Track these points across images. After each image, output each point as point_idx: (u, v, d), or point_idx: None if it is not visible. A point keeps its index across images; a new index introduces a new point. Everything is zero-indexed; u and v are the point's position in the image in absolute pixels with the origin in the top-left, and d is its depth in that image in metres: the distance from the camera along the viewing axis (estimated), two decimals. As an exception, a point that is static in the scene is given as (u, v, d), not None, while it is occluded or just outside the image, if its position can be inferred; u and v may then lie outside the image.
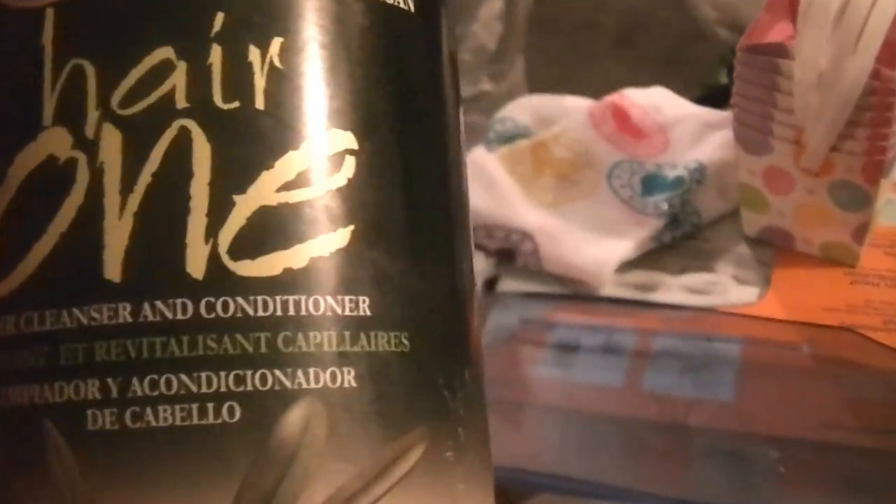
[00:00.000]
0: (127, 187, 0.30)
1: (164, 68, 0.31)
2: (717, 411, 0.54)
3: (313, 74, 0.32)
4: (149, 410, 0.29)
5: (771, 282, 0.59)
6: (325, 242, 0.31)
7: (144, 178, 0.30)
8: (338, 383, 0.30)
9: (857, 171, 0.56)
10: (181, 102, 0.30)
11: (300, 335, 0.30)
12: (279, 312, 0.30)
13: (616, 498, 0.54)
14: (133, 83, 0.31)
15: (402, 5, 0.34)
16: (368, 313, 0.31)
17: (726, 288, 0.59)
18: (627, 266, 0.61)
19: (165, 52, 0.31)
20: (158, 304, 0.29)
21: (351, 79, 0.32)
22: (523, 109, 0.67)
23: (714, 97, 0.67)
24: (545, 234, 0.61)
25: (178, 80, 0.31)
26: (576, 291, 0.60)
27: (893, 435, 0.52)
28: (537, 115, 0.67)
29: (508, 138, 0.66)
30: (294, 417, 0.29)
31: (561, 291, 0.60)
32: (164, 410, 0.29)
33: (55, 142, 0.31)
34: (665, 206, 0.62)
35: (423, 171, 0.34)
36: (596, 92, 0.67)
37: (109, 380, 0.29)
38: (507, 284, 0.61)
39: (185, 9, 0.31)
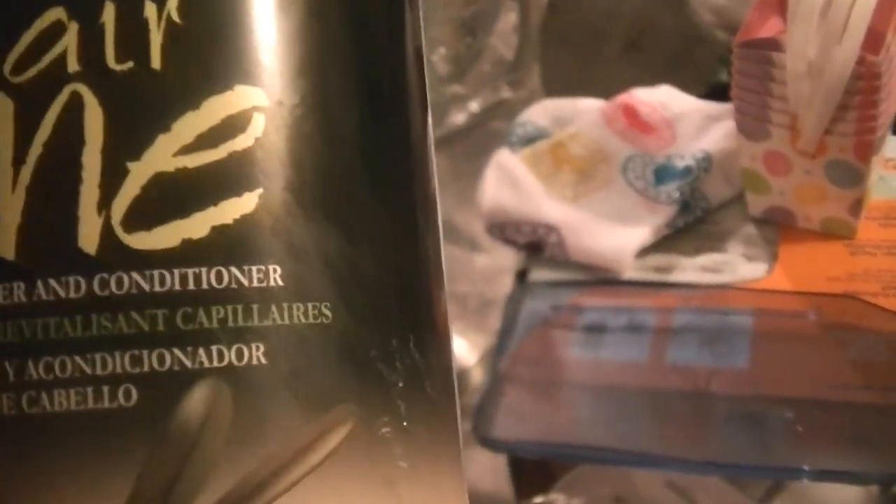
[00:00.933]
0: (19, 159, 0.28)
1: (56, 30, 0.28)
2: (734, 378, 0.58)
3: (217, 26, 0.29)
4: (44, 395, 0.27)
5: (777, 257, 0.62)
6: (227, 209, 0.28)
7: (36, 148, 0.28)
8: (244, 361, 0.28)
9: (850, 150, 0.58)
10: (73, 66, 0.28)
11: (201, 311, 0.28)
12: (178, 287, 0.27)
13: (645, 464, 0.57)
14: (24, 48, 0.28)
15: None
16: (280, 283, 0.28)
17: (737, 265, 0.62)
18: (646, 251, 0.64)
19: (57, 13, 0.28)
20: (52, 282, 0.27)
21: (261, 30, 0.30)
22: (541, 113, 0.71)
23: (716, 94, 0.70)
24: (568, 227, 0.64)
25: (70, 41, 0.28)
26: (600, 277, 0.64)
27: (895, 392, 0.56)
28: (554, 118, 0.70)
29: (529, 140, 0.69)
30: (195, 400, 0.27)
31: (586, 278, 0.64)
32: (59, 395, 0.27)
33: None
34: (676, 194, 0.65)
35: (352, 132, 0.31)
36: (608, 93, 0.70)
37: (6, 362, 0.27)
38: (538, 275, 0.65)
39: None
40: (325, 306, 0.29)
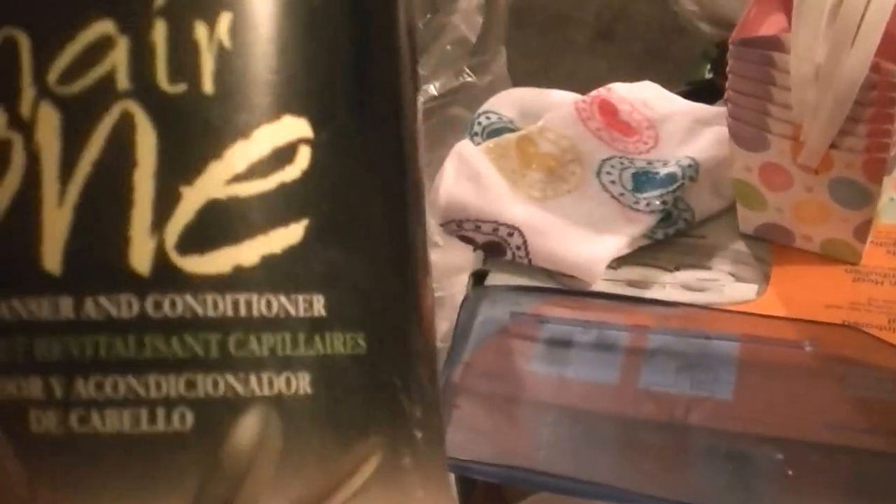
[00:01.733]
0: (66, 174, 0.27)
1: (104, 43, 0.28)
2: (716, 410, 0.52)
3: (265, 55, 0.29)
4: (95, 414, 0.26)
5: (770, 279, 0.57)
6: (276, 238, 0.28)
7: (84, 166, 0.27)
8: (292, 390, 0.28)
9: (858, 168, 0.54)
10: (123, 83, 0.28)
11: (252, 337, 0.28)
12: (230, 313, 0.27)
13: (612, 498, 0.51)
14: (71, 59, 0.28)
15: None
16: (323, 314, 0.29)
17: (723, 285, 0.57)
18: (619, 262, 0.59)
19: (105, 26, 0.28)
20: (102, 299, 0.27)
21: (306, 60, 0.30)
22: (507, 103, 0.65)
23: (697, 94, 0.66)
24: (533, 229, 0.58)
25: (120, 57, 0.28)
26: (566, 286, 0.58)
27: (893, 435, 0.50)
28: (521, 109, 0.65)
29: (493, 132, 0.64)
30: (248, 427, 0.27)
31: (551, 286, 0.58)
32: (111, 415, 0.26)
33: None
34: (657, 203, 0.59)
35: (380, 162, 0.31)
36: (575, 86, 0.65)
37: (52, 379, 0.26)
38: (497, 278, 0.58)
39: None
40: (361, 337, 0.29)
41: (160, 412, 0.27)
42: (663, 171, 0.60)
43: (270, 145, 0.29)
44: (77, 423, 0.26)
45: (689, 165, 0.60)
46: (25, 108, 0.28)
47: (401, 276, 0.31)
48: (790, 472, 0.49)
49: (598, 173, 0.61)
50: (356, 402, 0.29)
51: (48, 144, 0.27)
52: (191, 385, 0.27)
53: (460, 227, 0.59)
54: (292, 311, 0.28)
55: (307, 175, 0.29)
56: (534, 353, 0.55)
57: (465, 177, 0.60)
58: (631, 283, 0.57)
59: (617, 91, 0.63)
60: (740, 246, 0.59)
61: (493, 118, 0.64)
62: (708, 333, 0.55)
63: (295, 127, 0.29)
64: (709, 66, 0.68)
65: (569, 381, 0.54)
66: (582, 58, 0.66)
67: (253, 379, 0.27)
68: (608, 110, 0.63)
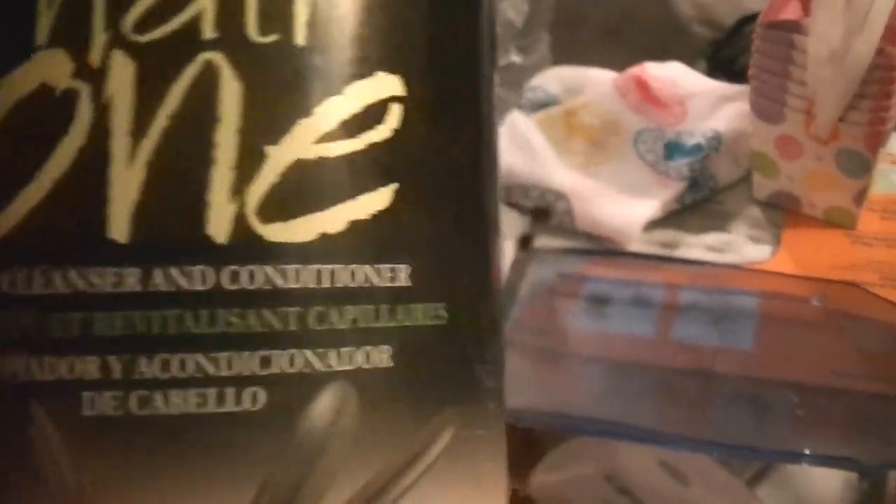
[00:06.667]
0: (139, 130, 0.24)
1: None
2: (738, 359, 0.54)
3: (359, 7, 0.26)
4: (158, 395, 0.24)
5: (781, 241, 0.60)
6: (365, 203, 0.26)
7: (161, 120, 0.24)
8: (372, 364, 0.25)
9: (861, 139, 0.56)
10: (208, 32, 0.25)
11: (334, 310, 0.25)
12: (311, 284, 0.25)
13: (646, 439, 0.54)
14: (151, 3, 0.25)
15: None
16: (407, 283, 0.26)
17: (741, 246, 0.60)
18: (652, 225, 0.61)
19: None
20: (173, 271, 0.24)
21: (399, 16, 0.27)
22: (552, 79, 0.67)
23: None
24: (578, 195, 0.60)
25: (206, 4, 0.25)
26: (605, 248, 0.60)
27: (892, 380, 0.53)
28: (566, 85, 0.67)
29: (540, 105, 0.66)
30: (324, 405, 0.25)
31: (591, 248, 0.60)
32: (176, 396, 0.24)
33: (51, 67, 0.24)
34: (686, 170, 0.61)
35: (461, 125, 0.29)
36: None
37: (112, 358, 0.24)
38: (543, 241, 0.61)
39: None
40: (443, 307, 0.27)
41: (230, 392, 0.24)
42: (691, 141, 0.62)
43: (362, 102, 0.26)
44: (137, 404, 0.24)
45: (713, 137, 0.62)
46: (95, 56, 0.24)
47: (478, 244, 0.29)
48: (801, 413, 0.52)
49: (635, 143, 0.63)
50: (435, 375, 0.27)
51: (120, 96, 0.24)
52: (265, 362, 0.24)
53: (509, 193, 0.61)
54: (376, 281, 0.26)
55: (397, 135, 0.26)
56: (578, 309, 0.57)
57: (516, 145, 0.62)
58: (663, 245, 0.60)
59: (649, 69, 0.65)
60: (756, 211, 0.62)
61: (540, 93, 0.66)
62: (730, 290, 0.57)
63: (388, 84, 0.26)
64: (706, 65, 0.71)
65: (609, 334, 0.56)
66: (590, 53, 0.68)
67: (332, 354, 0.25)
68: (643, 86, 0.65)
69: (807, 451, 0.53)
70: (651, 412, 0.55)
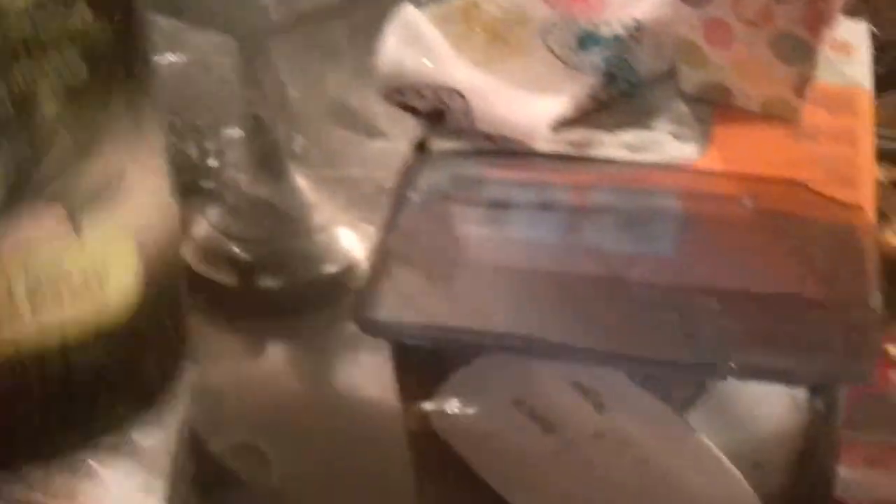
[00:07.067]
0: None
1: None
2: (656, 265, 0.49)
3: None
4: None
5: (711, 138, 0.54)
6: None
7: None
8: None
9: (799, 21, 0.51)
10: None
11: None
12: None
13: (555, 355, 0.49)
14: None
15: None
16: None
17: (664, 144, 0.54)
18: (563, 124, 0.55)
19: None
20: None
21: None
22: None
23: None
24: (477, 92, 0.55)
25: None
26: (509, 149, 0.54)
27: (835, 284, 0.48)
28: None
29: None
30: None
31: (493, 148, 0.55)
32: None
33: None
34: (601, 64, 0.56)
35: None
36: None
37: None
38: (439, 145, 0.55)
39: None
40: None
41: None
42: (608, 32, 0.57)
43: None
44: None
45: (634, 26, 0.57)
46: None
47: None
48: (727, 322, 0.47)
49: (543, 35, 0.58)
50: None
51: None
52: None
53: (402, 95, 0.56)
54: None
55: None
56: (474, 216, 0.52)
57: (406, 42, 0.56)
58: (574, 144, 0.54)
59: (563, -45, 0.58)
60: (682, 107, 0.56)
61: (437, -15, 0.59)
62: (648, 191, 0.52)
63: None
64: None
65: (510, 240, 0.51)
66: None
67: None
68: (554, -26, 0.57)
69: (731, 364, 0.47)
70: (557, 324, 0.49)
